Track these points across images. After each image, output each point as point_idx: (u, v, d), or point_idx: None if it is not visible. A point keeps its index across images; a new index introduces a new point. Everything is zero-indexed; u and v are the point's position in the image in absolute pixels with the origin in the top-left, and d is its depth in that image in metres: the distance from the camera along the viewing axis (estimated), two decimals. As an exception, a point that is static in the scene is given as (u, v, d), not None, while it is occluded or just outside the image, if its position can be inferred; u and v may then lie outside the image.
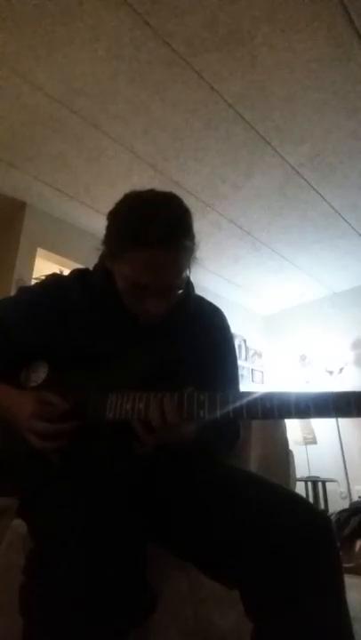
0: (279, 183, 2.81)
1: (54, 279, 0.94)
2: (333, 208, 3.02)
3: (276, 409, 0.64)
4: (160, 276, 0.75)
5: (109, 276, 0.83)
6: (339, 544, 2.62)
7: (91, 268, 0.93)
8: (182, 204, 0.80)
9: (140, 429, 0.71)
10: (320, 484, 3.49)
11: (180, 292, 0.82)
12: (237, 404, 0.67)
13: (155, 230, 0.72)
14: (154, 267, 0.74)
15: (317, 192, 2.87)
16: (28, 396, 0.78)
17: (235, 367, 0.96)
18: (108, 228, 0.81)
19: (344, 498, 3.56)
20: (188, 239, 0.77)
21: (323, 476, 3.57)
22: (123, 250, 0.75)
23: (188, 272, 0.81)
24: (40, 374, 0.85)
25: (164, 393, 0.72)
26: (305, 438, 3.65)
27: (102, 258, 0.88)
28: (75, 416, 0.76)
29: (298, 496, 0.72)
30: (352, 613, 0.60)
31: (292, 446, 1.34)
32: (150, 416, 0.70)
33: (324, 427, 3.76)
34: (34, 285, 0.96)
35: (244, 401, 0.67)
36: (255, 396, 0.66)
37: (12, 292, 0.95)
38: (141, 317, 0.82)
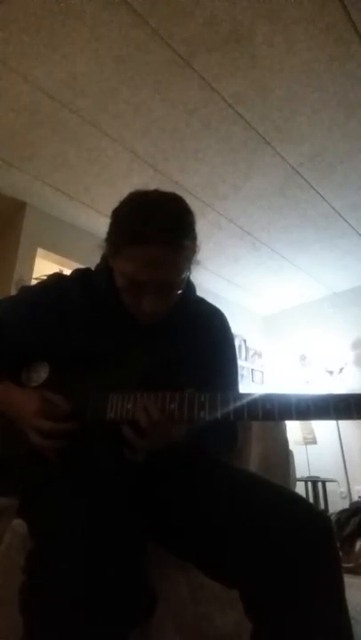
0: (279, 183, 2.81)
1: (55, 279, 0.94)
2: (333, 208, 3.02)
3: (276, 410, 0.64)
4: (157, 273, 0.75)
5: (111, 276, 0.84)
6: (339, 544, 2.63)
7: (91, 267, 0.93)
8: (185, 205, 0.81)
9: (130, 434, 0.71)
10: (320, 484, 3.49)
11: (180, 292, 0.82)
12: (238, 405, 0.67)
13: (153, 228, 0.73)
14: (151, 264, 0.74)
15: (317, 192, 2.87)
16: (33, 394, 0.78)
17: (235, 368, 0.96)
18: (111, 225, 0.81)
19: (344, 498, 3.56)
20: (187, 239, 0.77)
21: (323, 475, 3.57)
22: (122, 247, 0.76)
23: (188, 273, 0.81)
24: (41, 374, 0.85)
25: (165, 393, 0.72)
26: (305, 438, 3.65)
27: (104, 257, 0.88)
28: (76, 417, 0.76)
29: (298, 496, 0.72)
30: (352, 613, 0.60)
31: (292, 446, 1.34)
32: (137, 416, 0.70)
33: (325, 427, 3.76)
34: (34, 285, 0.96)
35: (245, 402, 0.67)
36: (256, 397, 0.66)
37: (12, 292, 0.96)
38: (140, 318, 0.82)
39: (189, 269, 0.81)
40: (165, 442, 0.72)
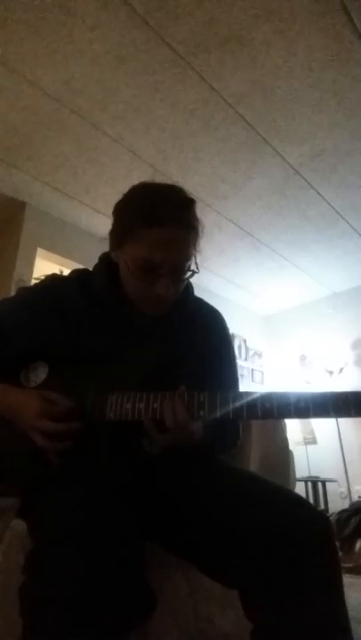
0: (279, 183, 2.81)
1: (53, 280, 0.94)
2: (333, 208, 3.02)
3: (275, 409, 0.65)
4: (173, 254, 0.76)
5: (111, 275, 0.84)
6: (339, 544, 2.62)
7: (91, 268, 0.93)
8: (188, 193, 0.83)
9: (152, 429, 0.71)
10: (320, 484, 3.49)
11: (189, 274, 0.82)
12: (237, 404, 0.67)
13: (168, 209, 0.75)
14: (167, 244, 0.75)
15: (317, 192, 2.87)
16: (33, 395, 0.78)
17: (234, 368, 0.96)
18: (118, 215, 0.82)
19: (344, 498, 3.56)
20: (196, 222, 0.80)
21: (323, 476, 3.57)
22: (136, 231, 0.76)
23: (194, 257, 0.82)
24: (40, 374, 0.85)
25: (164, 393, 0.72)
26: (305, 438, 3.65)
27: (103, 257, 0.88)
28: (78, 416, 0.76)
29: (298, 496, 0.72)
30: (352, 613, 0.60)
31: (292, 446, 1.34)
32: (165, 416, 0.70)
33: (324, 427, 3.76)
34: (33, 286, 0.96)
35: (244, 401, 0.67)
36: (255, 396, 0.66)
37: (12, 292, 0.96)
38: (148, 308, 0.82)
39: (195, 254, 0.82)
40: (185, 439, 0.73)
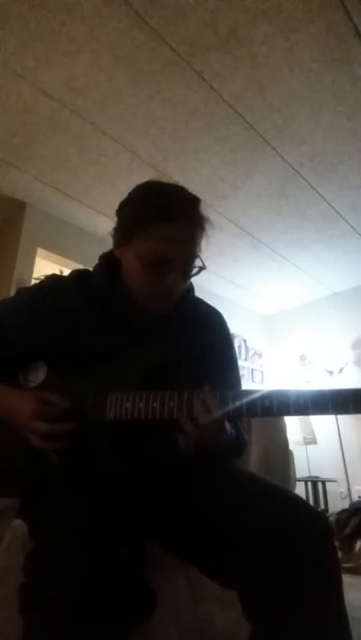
0: (279, 183, 2.81)
1: (53, 280, 0.94)
2: (333, 208, 3.02)
3: (275, 406, 0.65)
4: (186, 248, 0.78)
5: (111, 275, 0.84)
6: (338, 544, 2.62)
7: (91, 268, 0.93)
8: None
9: (188, 424, 0.71)
10: (320, 484, 3.49)
11: (195, 270, 0.82)
12: (237, 402, 0.67)
13: (178, 205, 0.77)
14: (179, 239, 0.77)
15: (317, 192, 2.87)
16: (28, 396, 0.78)
17: (235, 368, 0.96)
18: (126, 211, 0.82)
19: (344, 498, 3.56)
20: (204, 219, 0.82)
21: (323, 476, 3.57)
22: (146, 226, 0.76)
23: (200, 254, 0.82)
24: (39, 375, 0.85)
25: (164, 391, 0.72)
26: (305, 438, 3.65)
27: (103, 257, 0.88)
28: (75, 416, 0.76)
29: (297, 497, 0.71)
30: (352, 614, 0.60)
31: (292, 446, 1.34)
32: (197, 414, 0.70)
33: (325, 427, 3.76)
34: (32, 286, 0.96)
35: (244, 399, 0.67)
36: (254, 394, 0.67)
37: (12, 292, 0.95)
38: (153, 305, 0.82)
39: (199, 252, 0.82)
40: (221, 439, 0.74)
